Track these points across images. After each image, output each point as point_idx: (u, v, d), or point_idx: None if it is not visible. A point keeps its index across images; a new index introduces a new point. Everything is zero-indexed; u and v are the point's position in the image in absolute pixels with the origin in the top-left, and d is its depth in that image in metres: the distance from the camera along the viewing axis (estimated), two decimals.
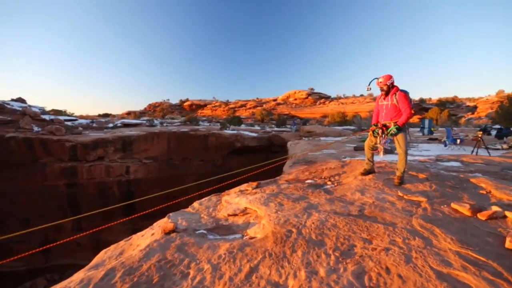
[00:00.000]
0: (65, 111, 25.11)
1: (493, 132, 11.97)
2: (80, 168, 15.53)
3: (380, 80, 3.57)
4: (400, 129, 3.42)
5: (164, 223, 2.44)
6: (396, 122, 3.48)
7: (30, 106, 18.71)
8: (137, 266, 1.81)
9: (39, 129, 16.12)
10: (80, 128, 18.59)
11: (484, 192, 3.11)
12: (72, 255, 15.73)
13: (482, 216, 2.31)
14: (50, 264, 15.49)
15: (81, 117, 27.35)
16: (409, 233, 2.06)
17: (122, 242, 2.45)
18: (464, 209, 2.44)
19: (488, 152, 6.92)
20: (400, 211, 2.55)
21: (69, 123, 19.19)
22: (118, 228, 15.65)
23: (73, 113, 26.20)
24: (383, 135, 3.65)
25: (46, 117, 18.20)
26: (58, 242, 4.80)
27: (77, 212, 14.80)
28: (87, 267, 2.08)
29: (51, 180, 15.30)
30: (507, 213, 2.32)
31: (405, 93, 3.44)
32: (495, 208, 2.40)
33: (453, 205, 2.58)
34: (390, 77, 3.52)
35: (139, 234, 2.56)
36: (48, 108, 22.57)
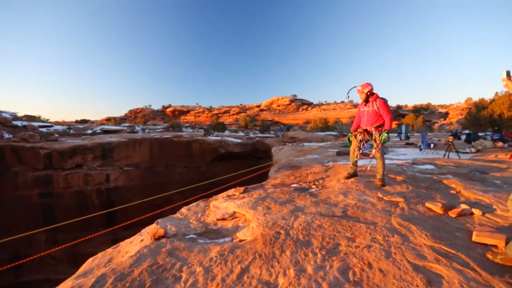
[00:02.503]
0: (39, 117, 23.89)
1: (463, 137, 12.83)
2: (56, 176, 14.79)
3: (359, 88, 3.81)
4: (388, 133, 3.56)
5: (154, 228, 2.44)
6: (378, 127, 3.69)
7: (0, 111, 17.66)
8: (128, 272, 1.82)
9: (10, 136, 15.24)
10: (56, 135, 17.76)
11: (454, 192, 3.38)
12: (46, 269, 14.80)
13: (452, 213, 2.53)
14: (21, 280, 14.47)
15: (57, 123, 26.13)
16: (388, 231, 2.22)
17: (110, 250, 2.42)
18: (437, 207, 2.65)
19: (458, 156, 7.42)
20: (380, 211, 2.72)
21: (44, 129, 18.28)
22: (97, 239, 14.91)
23: (48, 119, 24.96)
24: (364, 140, 3.87)
25: (18, 123, 17.24)
26: (31, 257, 4.23)
27: (52, 224, 14.02)
28: (74, 275, 2.05)
29: (23, 190, 14.42)
30: (473, 210, 2.56)
31: (385, 100, 3.68)
32: (463, 206, 2.63)
33: (427, 204, 2.79)
34: (368, 85, 3.76)
35: (127, 241, 2.54)
36: (20, 114, 21.42)
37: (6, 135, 15.14)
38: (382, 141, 3.56)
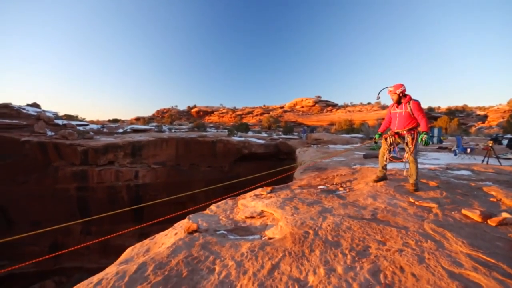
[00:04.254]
0: (77, 116, 25.82)
1: (505, 142, 11.87)
2: (91, 172, 15.89)
3: (391, 89, 3.69)
4: (428, 134, 3.41)
5: (187, 223, 2.59)
6: (410, 130, 3.56)
7: (44, 111, 19.33)
8: (166, 262, 1.96)
9: (53, 133, 16.62)
10: (91, 133, 19.07)
11: (495, 200, 3.17)
12: (80, 258, 15.92)
13: (492, 222, 2.39)
14: (58, 267, 15.70)
15: (92, 122, 28.04)
16: (421, 236, 2.16)
17: (147, 241, 2.60)
18: (475, 215, 2.52)
19: (499, 162, 6.91)
20: (412, 216, 2.64)
21: (80, 128, 19.72)
22: (125, 233, 15.87)
23: (84, 118, 26.94)
24: (395, 144, 3.75)
25: (59, 122, 18.77)
26: (70, 249, 4.93)
27: (86, 215, 15.08)
28: (116, 262, 2.23)
29: (62, 183, 15.67)
30: None
31: (419, 102, 3.53)
32: (505, 215, 2.47)
33: (464, 211, 2.66)
34: (401, 85, 3.63)
35: (162, 233, 2.71)
36: (61, 113, 23.28)
37: (49, 133, 16.54)
38: (424, 143, 3.38)
